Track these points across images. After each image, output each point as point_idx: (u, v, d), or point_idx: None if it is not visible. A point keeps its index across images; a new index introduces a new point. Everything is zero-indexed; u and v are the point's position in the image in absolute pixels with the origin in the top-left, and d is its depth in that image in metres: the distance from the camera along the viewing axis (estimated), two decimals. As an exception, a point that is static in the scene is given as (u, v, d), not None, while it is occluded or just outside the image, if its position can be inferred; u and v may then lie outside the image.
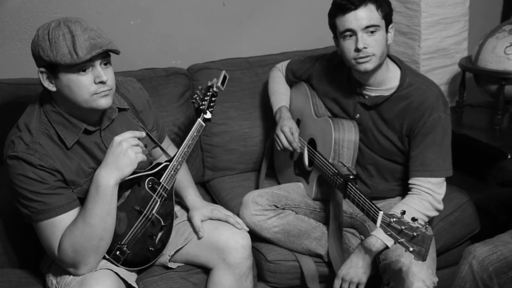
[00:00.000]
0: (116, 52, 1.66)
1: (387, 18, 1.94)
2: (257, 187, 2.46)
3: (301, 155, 2.27)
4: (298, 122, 2.33)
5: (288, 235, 2.10)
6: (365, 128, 2.09)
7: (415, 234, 1.58)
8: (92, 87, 1.63)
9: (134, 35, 2.62)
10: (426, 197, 1.95)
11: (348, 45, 1.93)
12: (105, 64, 1.66)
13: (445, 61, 2.92)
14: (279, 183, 2.44)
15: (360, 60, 1.93)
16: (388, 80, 2.03)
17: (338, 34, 1.96)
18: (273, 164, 2.55)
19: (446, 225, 2.22)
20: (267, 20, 2.85)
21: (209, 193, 2.57)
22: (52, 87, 1.65)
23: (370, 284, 2.02)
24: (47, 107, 1.72)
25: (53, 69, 1.61)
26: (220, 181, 2.59)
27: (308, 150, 2.23)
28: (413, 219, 1.62)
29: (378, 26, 1.91)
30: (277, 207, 2.11)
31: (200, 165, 2.59)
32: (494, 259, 1.84)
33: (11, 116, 1.83)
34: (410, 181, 1.99)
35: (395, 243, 1.65)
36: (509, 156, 2.39)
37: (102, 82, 1.64)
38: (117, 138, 1.65)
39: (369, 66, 1.93)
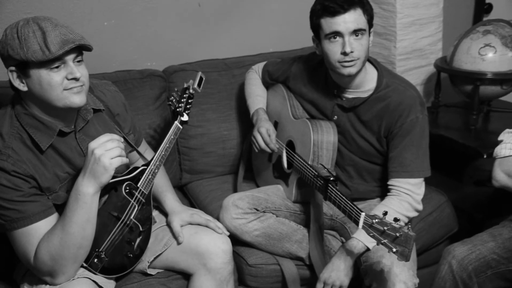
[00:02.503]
0: (89, 48, 1.62)
1: (371, 22, 1.94)
2: (235, 190, 2.43)
3: (280, 157, 2.26)
4: (275, 124, 2.31)
5: (269, 239, 2.08)
6: (343, 130, 2.08)
7: (397, 234, 1.58)
8: (64, 83, 1.58)
9: (108, 36, 2.57)
10: (405, 198, 1.96)
11: (334, 47, 1.91)
12: (78, 61, 1.62)
13: (420, 62, 2.95)
14: (257, 186, 2.42)
15: (346, 64, 1.91)
16: (366, 82, 2.03)
17: (323, 35, 1.93)
18: (251, 167, 2.52)
19: (425, 225, 2.23)
20: (243, 21, 2.83)
21: (187, 196, 2.54)
22: (23, 87, 1.60)
23: (351, 286, 2.02)
24: (18, 110, 1.66)
25: (23, 67, 1.56)
26: (198, 184, 2.56)
27: (286, 152, 2.22)
28: (395, 220, 1.61)
29: (364, 30, 1.90)
30: (257, 210, 2.09)
31: (177, 168, 2.56)
32: (473, 259, 1.85)
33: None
34: (389, 182, 1.99)
35: (377, 244, 1.64)
36: (484, 156, 2.42)
37: (75, 79, 1.59)
38: (91, 145, 1.59)
39: (353, 70, 1.92)
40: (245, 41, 2.84)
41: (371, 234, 1.65)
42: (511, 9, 3.30)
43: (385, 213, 1.64)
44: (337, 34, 1.89)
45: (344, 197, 1.79)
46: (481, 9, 3.27)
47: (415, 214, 1.99)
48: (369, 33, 1.94)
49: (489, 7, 3.28)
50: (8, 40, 1.56)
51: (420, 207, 1.99)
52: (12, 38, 1.55)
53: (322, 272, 1.91)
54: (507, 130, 1.96)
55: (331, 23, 1.89)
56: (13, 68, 1.58)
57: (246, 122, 2.51)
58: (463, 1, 3.27)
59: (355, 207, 1.73)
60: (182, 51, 2.73)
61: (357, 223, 1.72)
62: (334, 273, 1.88)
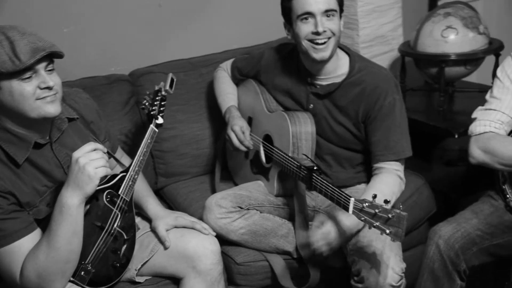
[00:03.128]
0: (61, 55, 1.58)
1: (341, 5, 1.97)
2: (213, 191, 2.41)
3: (257, 153, 2.24)
4: (249, 120, 2.30)
5: (255, 235, 2.06)
6: (319, 118, 2.09)
7: (390, 216, 1.58)
8: (36, 92, 1.53)
9: (68, 43, 2.50)
10: (395, 177, 1.99)
11: (306, 28, 1.93)
12: (49, 70, 1.57)
13: (383, 48, 2.98)
14: (236, 185, 2.39)
15: (318, 47, 1.93)
16: (338, 67, 2.04)
17: (294, 17, 1.94)
18: (227, 165, 2.50)
19: (405, 208, 2.17)
20: (206, 19, 2.80)
21: (164, 200, 2.50)
22: None
23: (339, 278, 2.03)
24: None
25: None
26: (174, 187, 2.51)
27: (264, 147, 2.20)
28: (386, 201, 1.62)
29: (335, 11, 1.92)
30: (241, 208, 2.07)
31: (152, 172, 2.51)
32: (459, 237, 1.89)
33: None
34: (376, 165, 2.01)
35: (370, 227, 1.64)
36: (456, 136, 2.46)
37: (48, 88, 1.55)
38: (75, 154, 1.54)
39: (326, 54, 1.94)
40: (209, 39, 2.81)
41: (362, 219, 1.65)
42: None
43: (375, 196, 1.64)
44: (308, 14, 1.91)
45: (330, 185, 1.78)
46: (436, -7, 3.33)
47: (400, 193, 2.02)
48: (340, 16, 1.96)
49: (444, -9, 3.34)
50: None
51: (403, 186, 2.03)
52: None
53: (312, 235, 1.90)
54: (479, 107, 2.00)
55: (302, 4, 1.90)
56: None
57: (218, 120, 2.48)
58: (419, -15, 3.32)
59: (343, 194, 1.73)
60: (146, 53, 2.68)
61: (346, 209, 1.71)
62: (323, 236, 1.87)
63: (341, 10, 1.97)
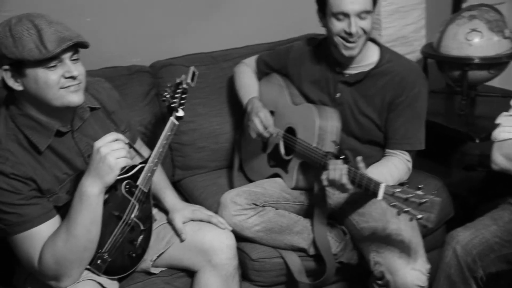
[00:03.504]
0: (86, 45, 1.59)
1: (376, 3, 1.98)
2: (230, 183, 2.41)
3: (276, 146, 2.24)
4: (271, 114, 2.29)
5: (270, 232, 2.06)
6: (344, 108, 2.09)
7: (422, 200, 1.57)
8: (61, 81, 1.54)
9: (91, 32, 2.46)
10: (405, 166, 2.03)
11: (339, 25, 1.95)
12: (74, 59, 1.58)
13: (405, 49, 2.96)
14: (249, 180, 2.39)
15: (348, 45, 1.96)
16: (367, 57, 2.05)
17: (329, 12, 1.96)
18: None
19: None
20: (229, 13, 2.79)
21: (181, 193, 2.49)
22: (18, 86, 1.55)
23: (354, 275, 2.02)
24: (13, 111, 1.61)
25: (18, 66, 1.52)
26: (191, 180, 2.52)
27: (285, 139, 2.20)
28: (418, 188, 1.61)
29: (370, 11, 1.94)
30: (256, 205, 2.07)
31: (170, 164, 2.52)
32: (476, 243, 1.87)
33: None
34: (390, 151, 2.05)
35: (399, 213, 1.62)
36: (477, 141, 2.44)
37: (73, 77, 1.56)
38: (97, 144, 1.55)
39: (354, 52, 1.98)
40: (231, 33, 2.81)
41: (393, 204, 1.63)
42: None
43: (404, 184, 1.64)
44: (343, 14, 1.92)
45: (359, 171, 1.76)
46: (461, -4, 3.30)
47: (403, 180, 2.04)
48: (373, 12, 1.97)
49: (468, -7, 3.31)
50: (1, 39, 1.51)
51: (408, 176, 2.07)
52: (5, 37, 1.50)
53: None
54: (504, 113, 1.98)
55: (339, 2, 1.91)
56: (7, 67, 1.53)
57: (237, 115, 2.48)
58: (444, -13, 3.29)
59: (373, 179, 1.72)
60: (167, 46, 2.67)
61: (375, 195, 1.69)
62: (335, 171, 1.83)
63: (375, 6, 1.99)
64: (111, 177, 1.56)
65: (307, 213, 2.14)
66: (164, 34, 2.67)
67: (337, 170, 1.80)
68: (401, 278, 1.83)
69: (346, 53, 1.98)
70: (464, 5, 3.06)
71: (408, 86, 2.00)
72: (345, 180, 1.78)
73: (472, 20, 2.63)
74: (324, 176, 1.84)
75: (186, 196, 2.46)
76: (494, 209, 2.01)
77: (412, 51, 2.98)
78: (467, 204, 2.57)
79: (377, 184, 1.69)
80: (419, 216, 1.57)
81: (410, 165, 2.05)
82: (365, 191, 1.75)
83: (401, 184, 2.04)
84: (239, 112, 2.38)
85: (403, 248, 1.88)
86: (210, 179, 2.49)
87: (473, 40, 2.60)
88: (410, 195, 1.60)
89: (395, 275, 1.85)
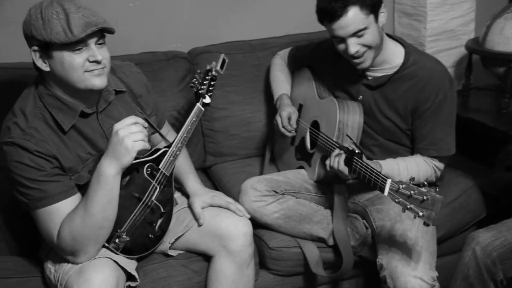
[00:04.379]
0: (111, 31, 1.63)
1: (375, 9, 1.87)
2: (261, 173, 2.42)
3: (303, 139, 2.23)
4: (300, 108, 2.30)
5: (289, 220, 2.07)
6: (368, 110, 2.06)
7: (424, 197, 1.56)
8: (85, 65, 1.59)
9: (132, 18, 2.57)
10: (430, 168, 2.02)
11: (341, 47, 1.93)
12: (100, 44, 1.63)
13: (451, 43, 2.87)
14: (279, 171, 2.40)
15: (356, 61, 1.93)
16: (391, 58, 2.00)
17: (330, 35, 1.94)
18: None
19: (449, 211, 2.18)
20: (269, 2, 2.79)
21: (211, 179, 2.54)
22: (45, 67, 1.61)
23: (371, 271, 2.00)
24: (41, 90, 1.68)
25: (46, 48, 1.58)
26: (222, 167, 2.55)
27: (310, 132, 2.20)
28: (422, 185, 1.59)
29: (365, 28, 1.86)
30: (276, 192, 2.08)
31: (202, 150, 2.55)
32: (497, 245, 1.81)
33: (8, 101, 1.78)
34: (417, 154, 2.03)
35: (403, 210, 1.61)
36: (516, 140, 2.35)
37: (97, 62, 1.60)
38: (116, 126, 1.60)
39: (365, 65, 1.95)
40: (270, 22, 2.80)
41: (397, 200, 1.62)
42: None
43: (412, 179, 1.62)
44: (338, 38, 1.89)
45: (369, 167, 1.75)
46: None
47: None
48: (376, 18, 1.88)
49: (526, -14, 3.16)
50: (32, 20, 1.57)
51: (435, 178, 2.07)
52: (36, 19, 1.56)
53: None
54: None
55: (331, 29, 1.89)
56: (36, 48, 1.60)
57: (270, 105, 2.48)
58: (498, -21, 3.15)
59: (381, 175, 1.71)
60: (207, 33, 2.71)
61: (382, 190, 1.68)
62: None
63: (376, 11, 1.88)
64: (128, 159, 1.60)
65: (328, 204, 2.13)
66: (204, 21, 2.70)
67: (336, 157, 1.85)
68: (401, 285, 1.81)
69: (358, 67, 1.96)
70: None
71: (432, 93, 1.94)
72: (342, 167, 1.82)
73: (521, 14, 2.52)
74: (327, 162, 1.89)
75: (215, 182, 2.50)
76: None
77: (459, 45, 2.88)
78: (501, 205, 2.48)
79: (384, 180, 1.68)
80: (421, 213, 1.56)
81: (438, 171, 2.04)
82: (373, 186, 1.74)
83: (429, 185, 2.01)
84: (271, 102, 2.39)
85: (406, 251, 1.85)
86: (240, 166, 2.51)
87: (521, 36, 2.49)
88: (414, 192, 1.58)
89: (395, 281, 1.82)
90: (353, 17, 1.83)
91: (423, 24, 2.80)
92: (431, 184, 2.09)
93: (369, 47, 1.89)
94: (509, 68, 2.51)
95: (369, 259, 2.04)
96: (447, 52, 2.86)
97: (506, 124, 2.49)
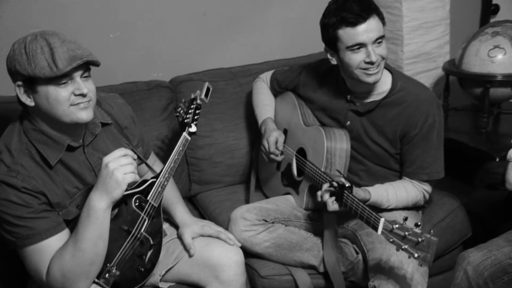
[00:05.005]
0: (97, 63, 1.62)
1: (385, 25, 1.93)
2: (247, 200, 2.41)
3: (289, 165, 2.24)
4: (285, 132, 2.30)
5: (280, 249, 2.06)
6: (356, 135, 2.07)
7: (419, 239, 1.57)
8: (71, 98, 1.58)
9: (114, 48, 2.57)
10: (419, 193, 2.04)
11: (357, 57, 1.89)
12: (85, 77, 1.61)
13: (428, 65, 2.92)
14: (266, 196, 2.40)
15: (370, 72, 1.90)
16: (380, 85, 2.01)
17: (343, 47, 1.90)
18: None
19: (438, 231, 2.18)
20: (248, 29, 2.82)
21: (197, 208, 2.52)
22: (30, 102, 1.59)
23: None
24: (26, 125, 1.66)
25: (31, 83, 1.56)
26: (207, 195, 2.54)
27: (297, 160, 2.20)
28: (416, 225, 1.60)
29: (383, 36, 1.90)
30: (266, 221, 2.07)
31: (187, 179, 2.54)
32: (488, 264, 1.83)
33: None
34: (407, 179, 2.05)
35: (398, 249, 1.62)
36: (497, 159, 2.39)
37: (82, 95, 1.59)
38: (105, 159, 1.58)
39: (378, 76, 1.93)
40: (251, 49, 2.84)
41: (391, 240, 1.63)
42: (518, 9, 3.27)
43: (406, 219, 1.63)
44: (360, 45, 1.87)
45: (361, 203, 1.76)
46: (488, 11, 3.24)
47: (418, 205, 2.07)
48: None
49: (496, 8, 3.25)
50: (16, 55, 1.56)
51: (423, 202, 2.10)
52: (20, 54, 1.55)
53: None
54: (520, 132, 1.94)
55: (353, 34, 1.86)
56: (20, 83, 1.58)
57: (254, 131, 2.49)
58: (470, 3, 3.24)
59: (373, 213, 1.71)
60: (188, 61, 2.72)
61: (376, 229, 1.69)
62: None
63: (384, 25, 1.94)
64: (118, 192, 1.58)
65: (318, 231, 2.13)
66: (185, 49, 2.72)
67: (326, 193, 1.89)
68: None
69: (370, 79, 1.92)
70: (492, 21, 3.01)
71: (421, 119, 1.96)
72: (332, 204, 1.86)
73: (495, 36, 2.59)
74: (318, 193, 1.91)
75: (201, 211, 2.48)
76: (510, 230, 1.96)
77: (435, 67, 2.93)
78: (487, 224, 2.51)
79: (377, 218, 1.69)
80: (416, 255, 1.57)
81: (426, 194, 2.06)
82: (366, 223, 1.75)
83: (417, 208, 2.05)
84: (255, 128, 2.39)
85: (397, 273, 1.85)
86: (225, 194, 2.51)
87: (496, 57, 2.55)
88: (408, 233, 1.59)
89: None
90: (376, 23, 1.86)
91: (400, 47, 2.85)
92: (419, 207, 2.12)
93: (382, 58, 1.91)
94: (486, 88, 2.57)
95: (360, 284, 2.04)
96: (425, 74, 2.91)
97: (486, 143, 2.54)
